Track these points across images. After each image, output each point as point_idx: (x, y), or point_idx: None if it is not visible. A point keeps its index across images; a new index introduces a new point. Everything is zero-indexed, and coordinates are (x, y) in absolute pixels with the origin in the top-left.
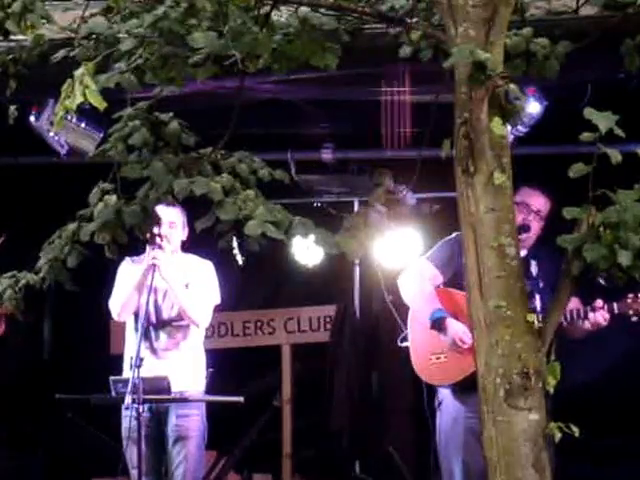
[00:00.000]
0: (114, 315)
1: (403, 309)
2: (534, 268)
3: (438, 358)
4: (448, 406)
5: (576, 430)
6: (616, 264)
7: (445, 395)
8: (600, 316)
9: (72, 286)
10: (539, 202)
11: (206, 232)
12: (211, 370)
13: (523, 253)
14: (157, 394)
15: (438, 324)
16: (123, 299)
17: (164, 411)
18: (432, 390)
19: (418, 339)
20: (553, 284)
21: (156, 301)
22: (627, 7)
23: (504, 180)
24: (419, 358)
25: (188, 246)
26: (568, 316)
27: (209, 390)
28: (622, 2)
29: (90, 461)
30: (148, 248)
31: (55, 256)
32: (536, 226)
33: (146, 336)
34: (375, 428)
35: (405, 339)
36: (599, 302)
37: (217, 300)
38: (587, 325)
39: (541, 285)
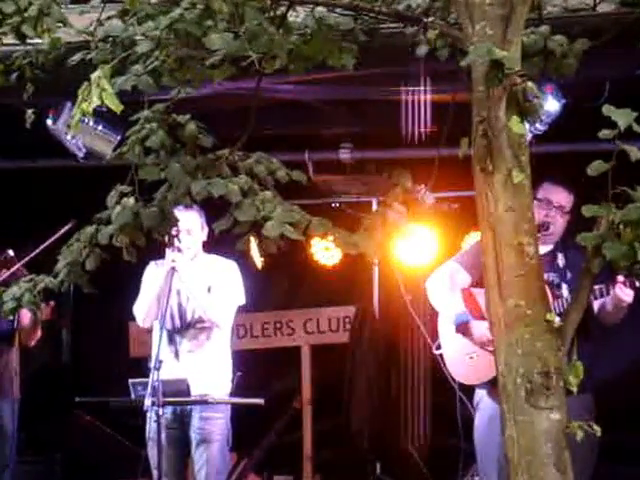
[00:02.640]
0: (139, 321)
1: (422, 309)
2: (561, 260)
3: (472, 357)
4: (485, 405)
5: (598, 429)
6: (636, 261)
7: (482, 395)
8: (621, 291)
9: (91, 289)
10: (561, 197)
11: (225, 233)
12: (239, 373)
13: (549, 247)
14: (177, 396)
15: (462, 329)
16: (146, 304)
17: (187, 413)
18: (466, 392)
19: (450, 342)
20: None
21: (180, 303)
22: None
23: (523, 178)
24: (454, 361)
25: (209, 247)
26: (596, 294)
27: (235, 393)
28: None
29: (110, 464)
30: (167, 251)
31: (73, 259)
32: (560, 221)
33: (170, 338)
34: (395, 428)
35: (439, 347)
36: (620, 277)
37: (241, 301)
38: (609, 306)
39: (569, 276)
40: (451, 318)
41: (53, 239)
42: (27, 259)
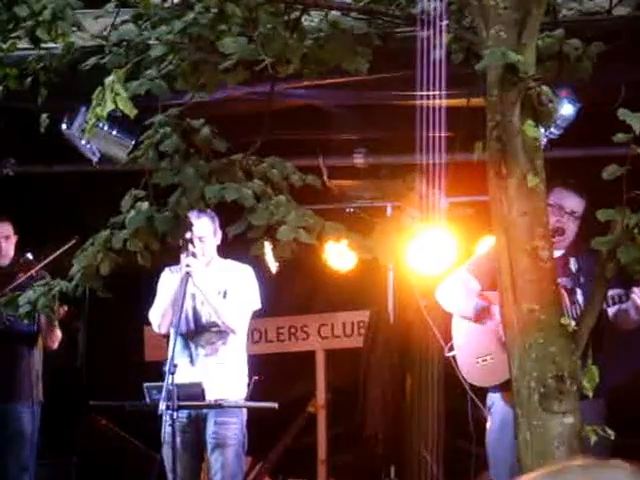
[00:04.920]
0: (154, 327)
1: (437, 314)
2: (573, 265)
3: (484, 360)
4: (497, 409)
5: (611, 433)
6: None
7: (494, 399)
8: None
9: (105, 293)
10: (573, 203)
11: (240, 238)
12: (255, 378)
13: (561, 252)
14: (191, 400)
15: (482, 312)
16: (162, 310)
17: (203, 418)
18: (479, 396)
19: (463, 344)
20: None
21: (195, 308)
22: None
23: (537, 183)
24: (466, 363)
25: (224, 251)
26: (610, 301)
27: (251, 398)
28: None
29: (125, 467)
30: (182, 256)
31: (88, 263)
32: (572, 226)
33: (185, 343)
34: (409, 433)
35: (451, 349)
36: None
37: (257, 305)
38: (632, 312)
39: (582, 280)
40: (470, 307)
41: (57, 254)
42: (44, 262)
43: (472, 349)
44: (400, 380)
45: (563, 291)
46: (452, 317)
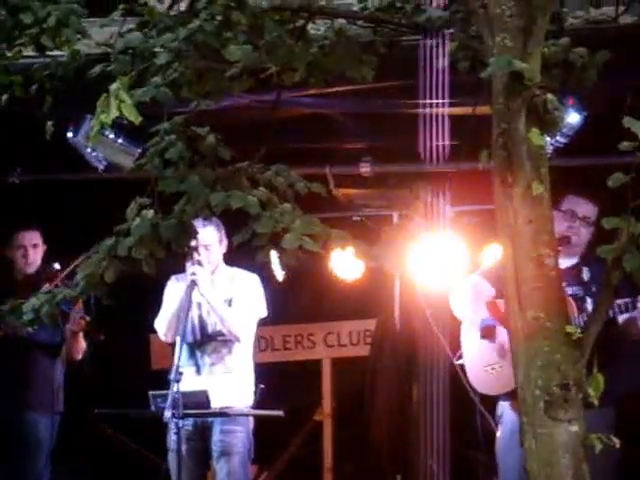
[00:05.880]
0: (161, 335)
1: (443, 323)
2: (586, 274)
3: (493, 368)
4: (507, 418)
5: (616, 442)
6: None
7: (505, 407)
8: None
9: (110, 301)
10: (586, 209)
11: (246, 246)
12: (262, 386)
13: (574, 260)
14: (197, 408)
15: (487, 332)
16: (168, 318)
17: (208, 426)
18: (487, 405)
19: (471, 352)
20: None
21: (200, 316)
22: None
23: (542, 191)
24: (475, 371)
25: (230, 259)
26: (617, 309)
27: (257, 406)
28: None
29: (130, 476)
30: (188, 264)
31: (92, 271)
32: (584, 233)
33: (191, 352)
34: (416, 442)
35: (460, 357)
36: None
37: (262, 313)
38: None
39: (593, 289)
40: (476, 322)
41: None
42: (67, 271)
43: (481, 357)
44: (406, 389)
45: (571, 300)
46: (460, 325)
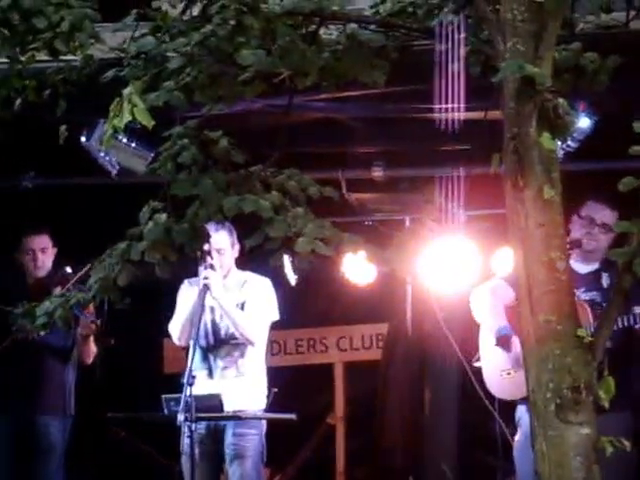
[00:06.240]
0: (175, 339)
1: (455, 326)
2: (605, 280)
3: (509, 373)
4: (524, 422)
5: (627, 445)
6: None
7: (522, 411)
8: None
9: (123, 304)
10: (604, 216)
11: (259, 250)
12: (275, 390)
13: (595, 266)
14: (209, 412)
15: (503, 341)
16: (181, 323)
17: (221, 429)
18: (503, 409)
19: (489, 356)
20: None
21: (214, 320)
22: None
23: (553, 195)
24: (492, 375)
25: (243, 263)
26: (637, 318)
27: (270, 410)
28: None
29: (143, 479)
30: (200, 269)
31: (106, 275)
32: (603, 239)
33: (204, 355)
34: (428, 445)
35: (478, 359)
36: None
37: (274, 317)
38: None
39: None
40: (493, 329)
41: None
42: (78, 275)
43: (497, 362)
44: (418, 392)
45: (587, 305)
46: (477, 328)
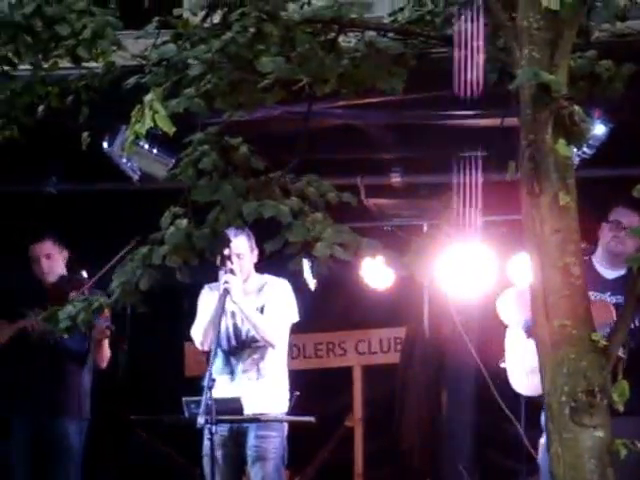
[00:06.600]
0: (197, 344)
1: (472, 330)
2: None
3: (533, 372)
4: None
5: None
6: None
7: None
8: None
9: (144, 308)
10: (632, 220)
11: (278, 255)
12: (297, 393)
13: (622, 271)
14: (230, 415)
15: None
16: (203, 327)
17: (243, 432)
18: (532, 411)
19: (516, 355)
20: None
21: (235, 324)
22: None
23: (569, 201)
24: (517, 374)
25: (262, 268)
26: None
27: (290, 413)
28: None
29: None
30: (220, 273)
31: (127, 279)
32: (630, 244)
33: (225, 359)
34: (445, 447)
35: (504, 361)
36: None
37: (294, 318)
38: None
39: None
40: (520, 324)
41: (116, 259)
42: (93, 280)
43: (524, 360)
44: (436, 395)
45: (612, 307)
46: (495, 331)
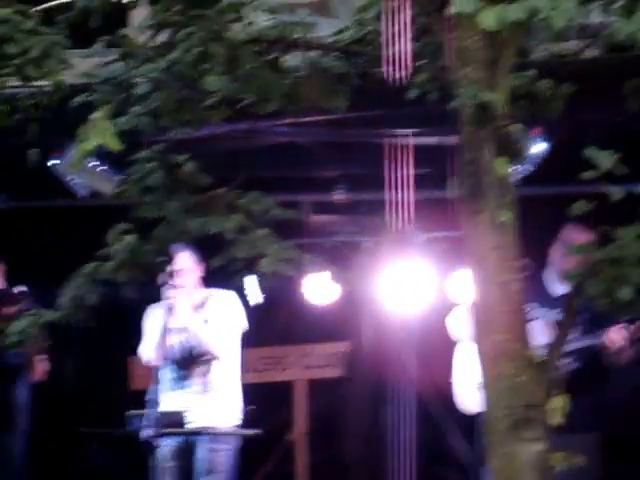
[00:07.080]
0: (145, 362)
1: (413, 345)
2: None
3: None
4: None
5: (579, 461)
6: (616, 299)
7: None
8: (614, 334)
9: (90, 323)
10: (581, 238)
11: (223, 271)
12: (251, 407)
13: None
14: (172, 427)
15: None
16: (151, 344)
17: (193, 444)
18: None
19: (464, 372)
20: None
21: (183, 338)
22: (628, 50)
23: (508, 218)
24: (467, 389)
25: (207, 284)
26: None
27: (246, 427)
28: (623, 45)
29: None
30: (165, 289)
31: (75, 294)
32: (579, 261)
33: (174, 372)
34: (387, 461)
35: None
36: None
37: (243, 326)
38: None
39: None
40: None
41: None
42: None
43: (475, 376)
44: (376, 410)
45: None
46: (439, 346)
